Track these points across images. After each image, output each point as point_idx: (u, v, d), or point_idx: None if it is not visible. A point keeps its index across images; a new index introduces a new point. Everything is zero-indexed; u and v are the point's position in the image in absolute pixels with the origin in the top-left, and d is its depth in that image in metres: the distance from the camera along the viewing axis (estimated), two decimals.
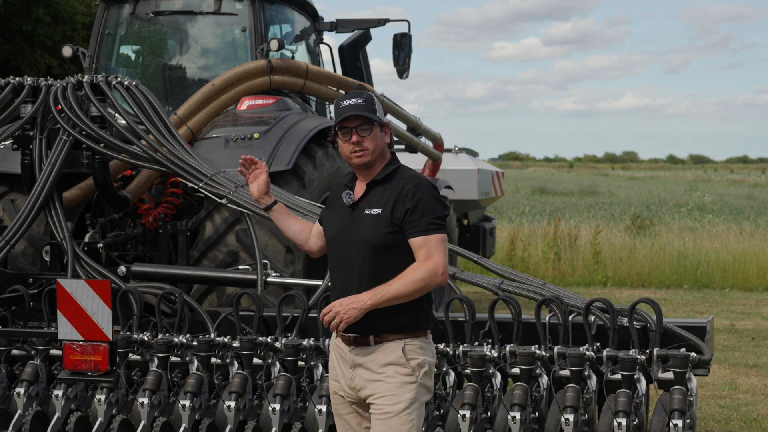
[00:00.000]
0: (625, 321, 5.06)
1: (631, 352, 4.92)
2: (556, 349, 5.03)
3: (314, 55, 8.78)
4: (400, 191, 3.80)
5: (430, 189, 3.83)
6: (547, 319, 5.19)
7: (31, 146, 6.08)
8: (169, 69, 8.10)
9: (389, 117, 8.64)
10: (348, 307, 3.72)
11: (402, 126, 9.19)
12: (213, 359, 5.34)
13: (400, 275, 3.76)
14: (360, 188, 3.92)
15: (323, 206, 4.15)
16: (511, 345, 5.09)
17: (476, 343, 5.18)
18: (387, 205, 3.80)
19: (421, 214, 3.76)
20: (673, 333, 5.07)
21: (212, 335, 5.42)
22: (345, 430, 4.02)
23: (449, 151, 11.90)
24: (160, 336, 5.41)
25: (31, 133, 6.09)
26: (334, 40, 15.23)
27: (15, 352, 5.63)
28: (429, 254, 3.76)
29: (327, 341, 5.19)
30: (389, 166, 3.90)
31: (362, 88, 7.96)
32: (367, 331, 3.80)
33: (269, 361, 5.29)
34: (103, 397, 5.21)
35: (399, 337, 3.81)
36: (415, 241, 3.77)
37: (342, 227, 3.88)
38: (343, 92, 7.97)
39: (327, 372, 5.08)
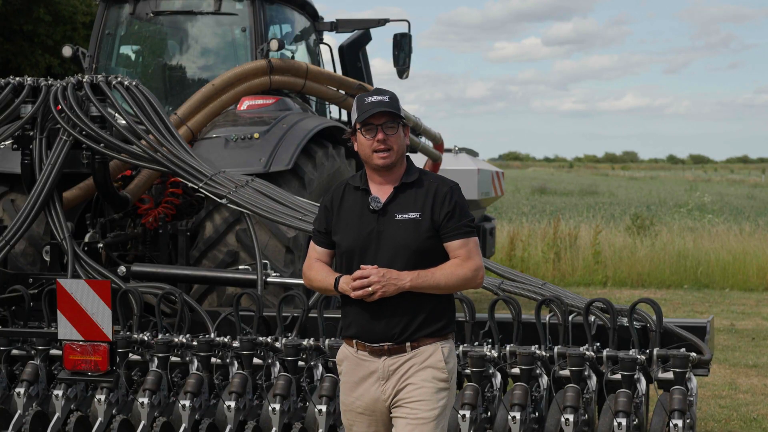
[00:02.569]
0: (625, 321, 5.06)
1: (631, 352, 4.92)
2: (556, 349, 5.03)
3: (314, 55, 8.78)
4: (435, 195, 3.72)
5: (461, 192, 3.80)
6: (547, 319, 5.20)
7: (31, 146, 6.09)
8: (169, 69, 8.10)
9: None
10: (388, 281, 3.59)
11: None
12: (213, 359, 5.34)
13: (441, 266, 3.68)
14: (381, 191, 3.76)
15: (320, 213, 3.94)
16: (511, 345, 5.09)
17: (476, 343, 5.18)
18: (425, 209, 3.70)
19: (459, 218, 3.72)
20: (673, 333, 5.07)
21: (212, 335, 5.42)
22: None
23: (449, 151, 11.90)
24: (160, 336, 5.41)
25: (31, 133, 6.09)
26: (334, 40, 15.21)
27: (15, 352, 5.63)
28: (469, 255, 3.72)
29: (327, 341, 5.19)
30: (412, 168, 3.81)
31: (362, 88, 7.96)
32: (405, 339, 3.68)
33: (269, 361, 5.29)
34: (103, 397, 5.20)
35: (434, 340, 3.72)
36: (454, 243, 3.72)
37: (369, 233, 3.71)
38: (343, 92, 7.97)
39: (327, 372, 5.09)
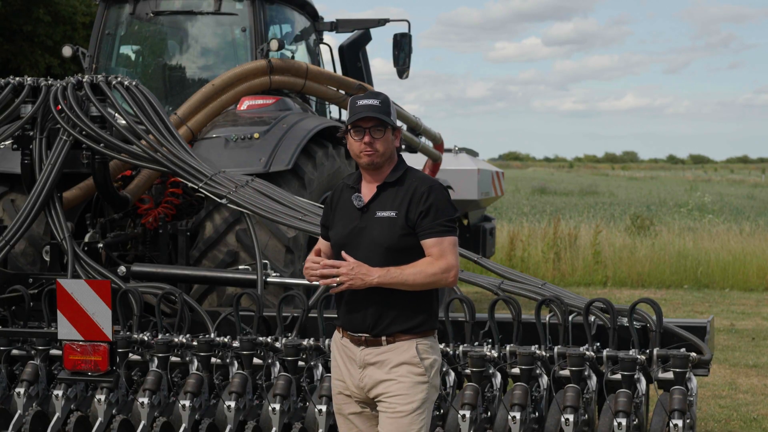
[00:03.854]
0: (625, 321, 5.06)
1: (631, 352, 4.92)
2: (556, 349, 5.03)
3: (314, 55, 8.78)
4: (413, 193, 3.82)
5: (442, 191, 3.87)
6: (547, 319, 5.19)
7: (31, 146, 6.09)
8: (169, 69, 8.10)
9: None
10: (356, 275, 3.72)
11: (402, 126, 9.19)
12: (213, 359, 5.34)
13: (412, 264, 3.77)
14: (369, 190, 3.90)
15: (322, 207, 4.10)
16: (511, 345, 5.09)
17: (476, 343, 5.19)
18: (401, 208, 3.81)
19: (435, 217, 3.79)
20: (673, 333, 5.07)
21: (212, 335, 5.42)
22: (348, 430, 4.00)
23: (449, 151, 11.90)
24: (160, 336, 5.41)
25: (31, 133, 6.09)
26: (334, 40, 15.24)
27: (15, 352, 5.63)
28: (442, 254, 3.79)
29: (327, 341, 5.19)
30: (399, 167, 3.91)
31: (362, 88, 7.96)
32: (380, 332, 3.80)
33: (269, 361, 5.29)
34: (103, 397, 5.21)
35: (411, 337, 3.82)
36: (428, 242, 3.80)
37: (352, 229, 3.86)
38: (343, 92, 7.97)
39: (327, 372, 5.09)
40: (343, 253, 3.79)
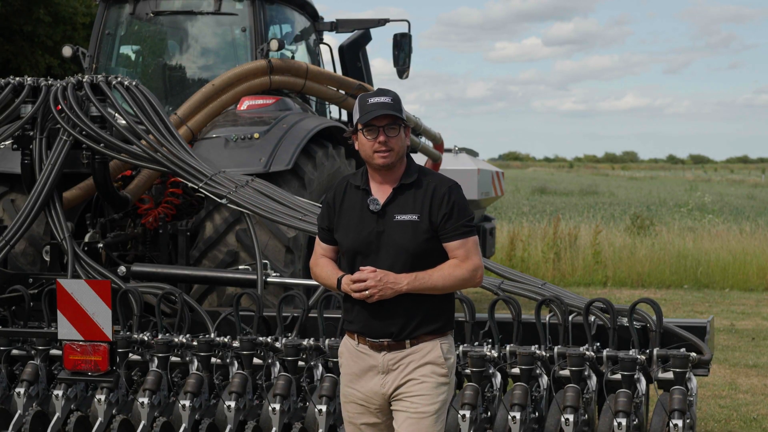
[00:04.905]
0: (625, 321, 5.06)
1: (631, 352, 4.92)
2: (556, 349, 5.03)
3: (314, 55, 8.78)
4: (433, 195, 3.74)
5: (460, 191, 3.80)
6: (547, 319, 5.19)
7: (31, 146, 6.09)
8: (169, 69, 8.10)
9: None
10: (385, 285, 3.65)
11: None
12: (213, 359, 5.34)
13: (439, 267, 3.72)
14: (381, 191, 3.79)
15: (323, 210, 3.98)
16: (511, 345, 5.09)
17: (476, 343, 5.18)
18: (423, 211, 3.72)
19: (458, 218, 3.74)
20: (673, 333, 5.07)
21: (212, 335, 5.42)
22: None
23: (449, 151, 11.91)
24: (160, 336, 5.41)
25: (31, 133, 6.09)
26: (334, 40, 15.24)
27: (15, 352, 5.63)
28: (468, 255, 3.74)
29: (327, 341, 5.19)
30: (411, 167, 3.82)
31: (362, 88, 7.96)
32: (405, 336, 3.74)
33: (269, 361, 5.29)
34: (103, 397, 5.20)
35: (433, 337, 3.78)
36: (453, 244, 3.74)
37: (368, 234, 3.74)
38: (343, 92, 7.97)
39: (327, 372, 5.09)
40: (361, 268, 3.70)
